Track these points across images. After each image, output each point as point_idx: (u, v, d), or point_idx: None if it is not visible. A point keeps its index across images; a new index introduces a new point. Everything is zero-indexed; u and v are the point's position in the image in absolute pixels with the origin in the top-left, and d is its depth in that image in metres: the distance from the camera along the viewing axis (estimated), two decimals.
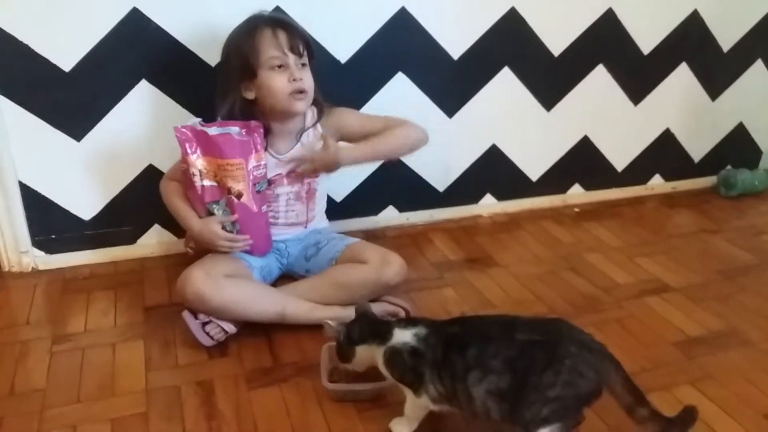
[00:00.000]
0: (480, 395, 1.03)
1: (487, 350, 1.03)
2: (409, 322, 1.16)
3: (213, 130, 1.39)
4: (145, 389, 1.29)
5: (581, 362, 1.01)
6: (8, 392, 1.28)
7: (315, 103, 1.54)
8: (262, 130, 1.43)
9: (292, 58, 1.43)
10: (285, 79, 1.43)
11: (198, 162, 1.40)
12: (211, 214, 1.45)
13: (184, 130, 1.39)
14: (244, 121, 1.43)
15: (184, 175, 1.44)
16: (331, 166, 1.50)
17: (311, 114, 1.56)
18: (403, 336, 1.12)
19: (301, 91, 1.45)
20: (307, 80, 1.46)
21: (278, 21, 1.46)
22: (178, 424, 1.20)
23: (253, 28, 1.44)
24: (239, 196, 1.41)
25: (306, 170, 1.51)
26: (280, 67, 1.43)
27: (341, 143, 1.56)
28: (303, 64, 1.46)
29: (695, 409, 1.06)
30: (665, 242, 1.98)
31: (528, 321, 1.11)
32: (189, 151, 1.39)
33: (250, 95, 1.47)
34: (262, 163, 1.45)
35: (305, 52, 1.46)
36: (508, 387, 1.01)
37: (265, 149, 1.48)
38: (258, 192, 1.45)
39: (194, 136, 1.39)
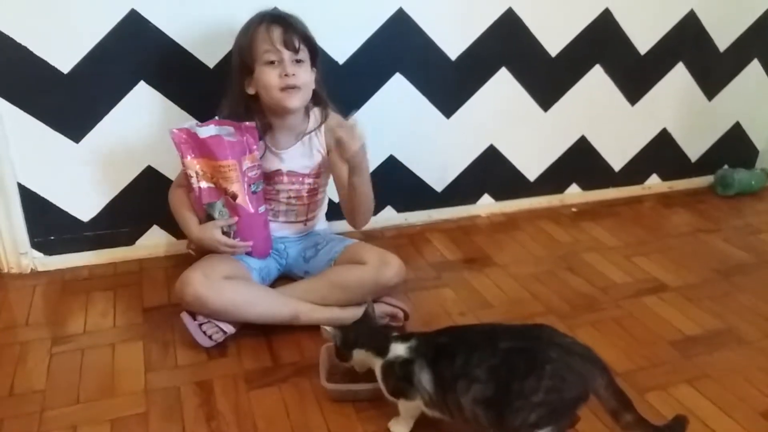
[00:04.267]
0: (468, 403, 1.04)
1: (471, 359, 1.05)
2: (404, 337, 1.17)
3: (205, 132, 1.39)
4: (145, 390, 1.29)
5: (563, 367, 1.01)
6: (8, 393, 1.28)
7: (321, 103, 1.55)
8: (255, 131, 1.43)
9: (286, 54, 1.42)
10: (276, 75, 1.42)
11: (194, 164, 1.41)
12: (209, 215, 1.45)
13: (178, 132, 1.40)
14: (237, 122, 1.43)
15: (184, 177, 1.46)
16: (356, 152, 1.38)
17: (314, 117, 1.55)
18: (397, 350, 1.14)
19: (293, 87, 1.44)
20: (302, 76, 1.44)
21: (275, 17, 1.45)
22: (177, 424, 1.20)
23: (250, 24, 1.45)
24: (234, 197, 1.42)
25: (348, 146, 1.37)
26: (273, 62, 1.42)
27: None
28: (299, 60, 1.44)
29: (685, 418, 1.05)
30: (662, 242, 1.98)
31: (511, 328, 1.12)
32: (185, 153, 1.40)
33: (251, 91, 1.48)
34: (257, 164, 1.45)
35: (304, 48, 1.44)
36: (493, 395, 1.02)
37: (265, 148, 1.50)
38: (254, 193, 1.45)
39: (189, 138, 1.40)
